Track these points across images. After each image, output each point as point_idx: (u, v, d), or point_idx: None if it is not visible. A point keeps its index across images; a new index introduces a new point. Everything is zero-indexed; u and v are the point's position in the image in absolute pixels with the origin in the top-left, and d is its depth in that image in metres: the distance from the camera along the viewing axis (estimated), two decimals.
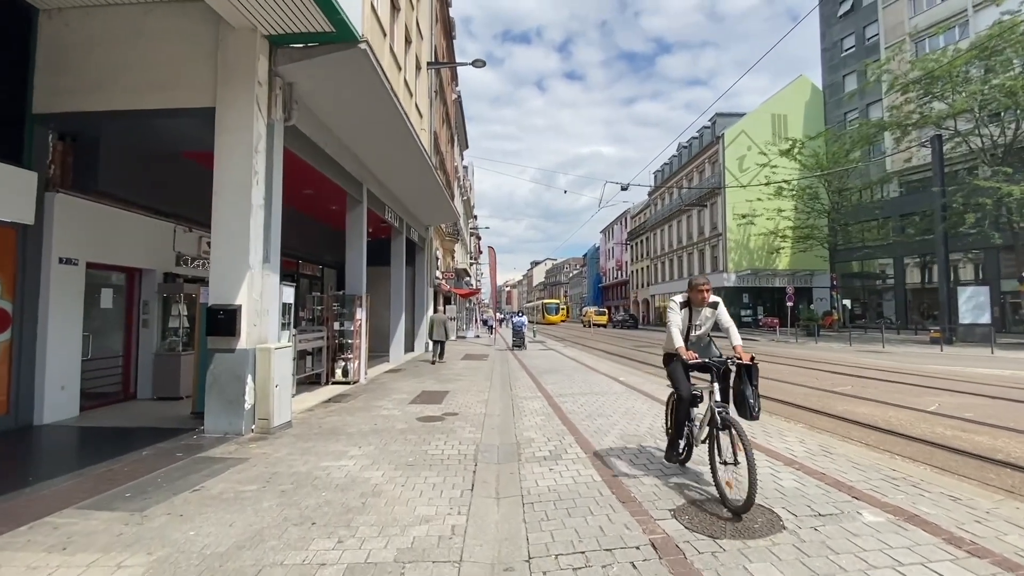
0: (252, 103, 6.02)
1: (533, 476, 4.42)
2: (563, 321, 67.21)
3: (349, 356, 9.87)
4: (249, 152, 5.98)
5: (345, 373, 9.87)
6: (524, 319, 20.43)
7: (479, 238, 62.63)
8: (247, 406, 5.83)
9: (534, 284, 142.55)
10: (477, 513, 3.62)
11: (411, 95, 13.93)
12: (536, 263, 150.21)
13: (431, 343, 14.76)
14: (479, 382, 10.38)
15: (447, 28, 24.15)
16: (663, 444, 5.20)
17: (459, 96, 31.65)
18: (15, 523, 3.37)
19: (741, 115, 39.45)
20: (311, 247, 14.57)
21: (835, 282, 32.67)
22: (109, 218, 7.32)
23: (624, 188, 22.77)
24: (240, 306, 5.86)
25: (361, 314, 10.12)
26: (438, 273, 21.23)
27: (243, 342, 5.87)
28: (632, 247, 62.52)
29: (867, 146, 29.52)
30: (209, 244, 9.90)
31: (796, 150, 30.36)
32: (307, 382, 9.68)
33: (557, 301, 74.38)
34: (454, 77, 30.22)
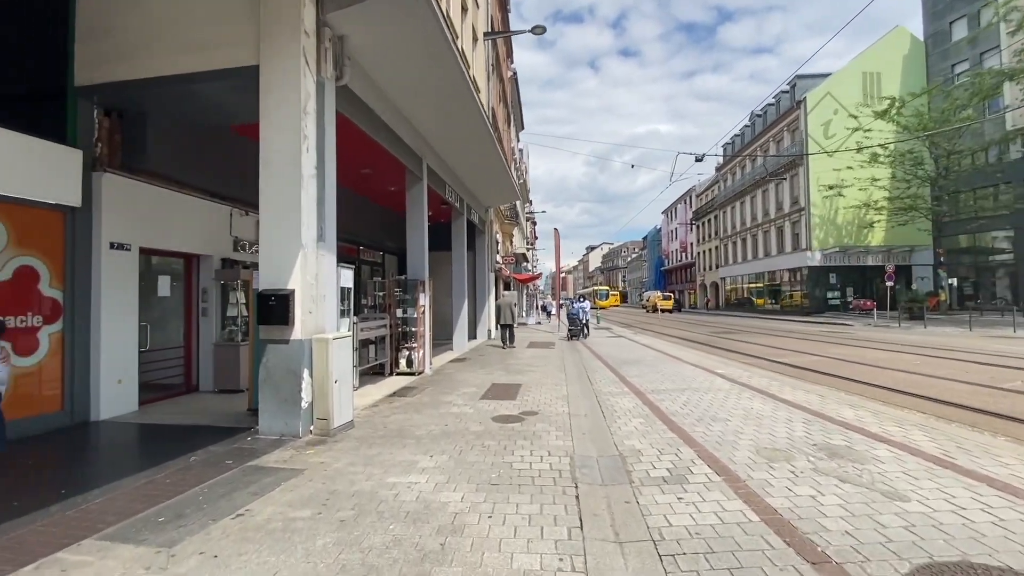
0: (299, 56, 5.20)
1: (658, 508, 3.32)
2: (613, 306, 71.88)
3: (413, 345, 9.14)
4: (297, 113, 5.18)
5: (409, 363, 9.16)
6: (587, 304, 18.46)
7: (535, 223, 61.47)
8: (304, 405, 5.12)
9: (590, 270, 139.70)
10: (598, 569, 2.59)
11: (468, 67, 12.94)
12: (592, 248, 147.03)
13: (500, 328, 14.79)
14: (552, 373, 9.36)
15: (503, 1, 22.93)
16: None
17: (515, 74, 30.40)
18: (22, 560, 2.70)
19: (825, 76, 35.51)
20: (371, 232, 14.06)
21: (941, 258, 28.80)
22: (161, 200, 6.86)
23: (699, 159, 20.77)
24: (293, 291, 5.13)
25: (424, 300, 9.34)
26: (498, 257, 20.37)
27: (297, 331, 5.14)
28: (698, 227, 59.04)
29: (984, 101, 25.47)
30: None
31: (895, 110, 26.74)
32: (370, 373, 9.06)
33: (607, 288, 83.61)
34: (509, 54, 28.98)
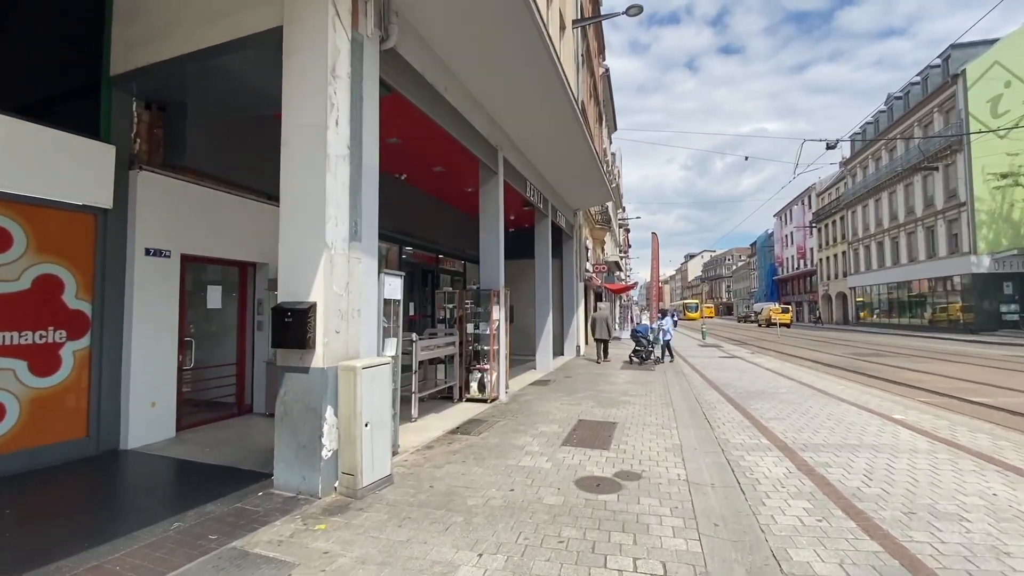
0: (326, 6, 4.07)
1: None
2: (699, 318, 72.76)
3: (485, 367, 7.78)
4: (323, 76, 4.05)
5: (481, 387, 7.80)
6: (668, 322, 14.16)
7: (628, 230, 58.38)
8: (325, 454, 3.90)
9: (690, 279, 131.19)
10: None
11: (553, 45, 11.53)
12: (691, 256, 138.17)
13: (594, 343, 13.97)
14: (656, 407, 7.47)
15: None
16: None
17: (607, 71, 28.58)
18: None
19: (991, 42, 29.17)
20: (452, 239, 13.09)
21: None
22: (208, 202, 6.18)
23: (831, 146, 17.39)
24: (314, 304, 3.95)
25: (499, 314, 7.96)
26: (588, 265, 18.60)
27: (319, 357, 3.95)
28: (820, 231, 52.15)
29: None
30: None
31: None
32: (438, 397, 7.86)
33: (696, 301, 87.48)
34: (601, 50, 27.28)
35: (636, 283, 43.96)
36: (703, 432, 5.99)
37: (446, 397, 7.85)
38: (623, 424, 6.37)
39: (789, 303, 57.82)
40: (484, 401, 7.65)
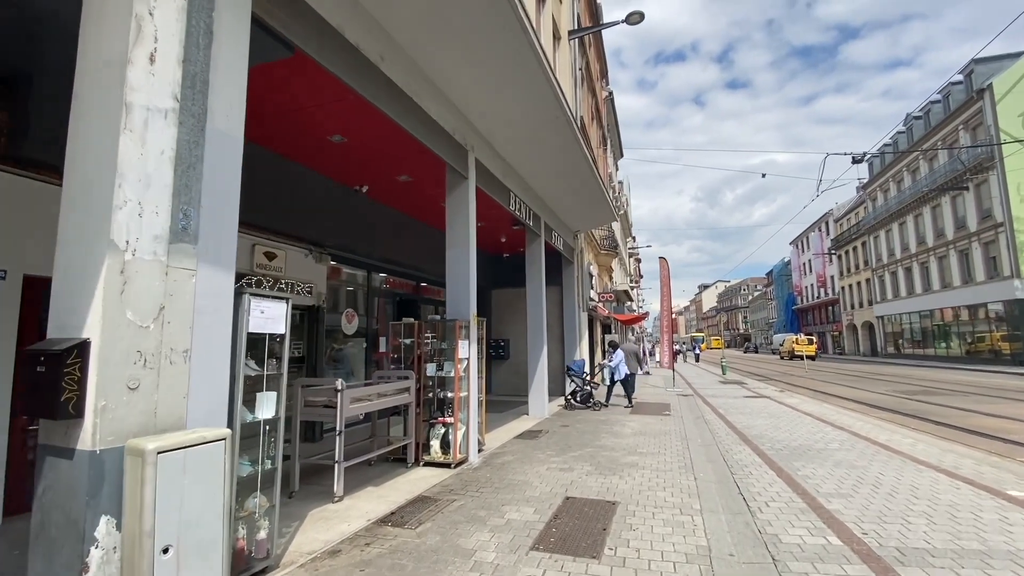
0: None
1: None
2: (706, 349, 72.44)
3: (450, 420, 6.07)
4: None
5: (445, 447, 6.07)
6: (620, 356, 11.31)
7: (639, 260, 56.71)
8: None
9: (704, 310, 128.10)
10: None
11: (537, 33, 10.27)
12: (705, 286, 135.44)
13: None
14: (672, 472, 5.66)
15: (592, 7, 20.52)
16: None
17: (611, 95, 27.66)
18: None
19: (1017, 55, 27.74)
20: (436, 264, 11.55)
21: None
22: None
23: (857, 160, 15.79)
24: (84, 342, 2.36)
25: (468, 351, 6.30)
26: (593, 294, 16.91)
27: (88, 432, 2.33)
28: (840, 258, 49.96)
29: None
30: (268, 255, 7.28)
31: None
32: (390, 459, 6.15)
33: (703, 334, 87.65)
34: (604, 73, 26.43)
35: (647, 313, 41.95)
36: (739, 521, 4.18)
37: (399, 458, 6.12)
38: (626, 505, 4.58)
39: (811, 334, 55.13)
40: (447, 466, 5.90)
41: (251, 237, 6.73)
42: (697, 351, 30.32)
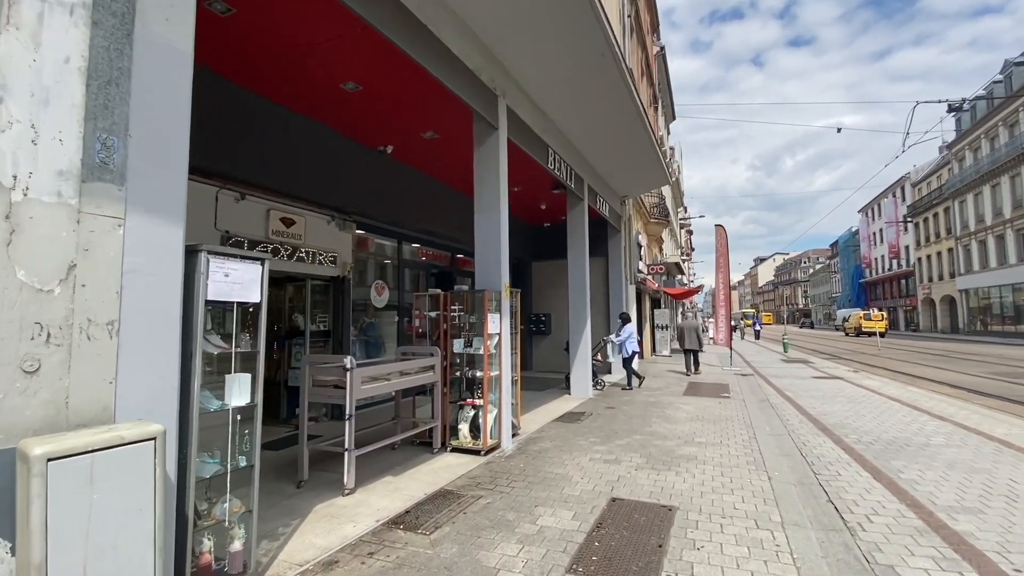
0: None
1: None
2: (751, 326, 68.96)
3: (479, 401, 5.40)
4: None
5: (474, 431, 5.43)
6: (629, 330, 10.26)
7: (691, 232, 53.96)
8: None
9: (760, 285, 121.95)
10: None
11: None
12: (761, 260, 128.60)
13: (684, 353, 12.85)
14: (739, 468, 4.77)
15: None
16: None
17: (663, 50, 25.60)
18: None
19: None
20: (472, 236, 10.85)
21: None
22: None
23: (954, 108, 13.56)
24: None
25: (498, 325, 5.57)
26: (641, 266, 15.75)
27: None
28: (917, 226, 45.48)
29: None
30: (285, 221, 6.74)
31: None
32: (417, 441, 5.58)
33: (753, 310, 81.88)
34: (655, 27, 24.40)
35: (701, 286, 39.84)
36: (835, 541, 3.28)
37: (425, 442, 5.54)
38: (686, 512, 3.76)
39: (881, 308, 51.15)
40: (476, 452, 5.25)
41: (265, 201, 6.21)
42: (758, 327, 28.28)
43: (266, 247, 6.14)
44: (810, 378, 12.00)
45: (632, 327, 10.34)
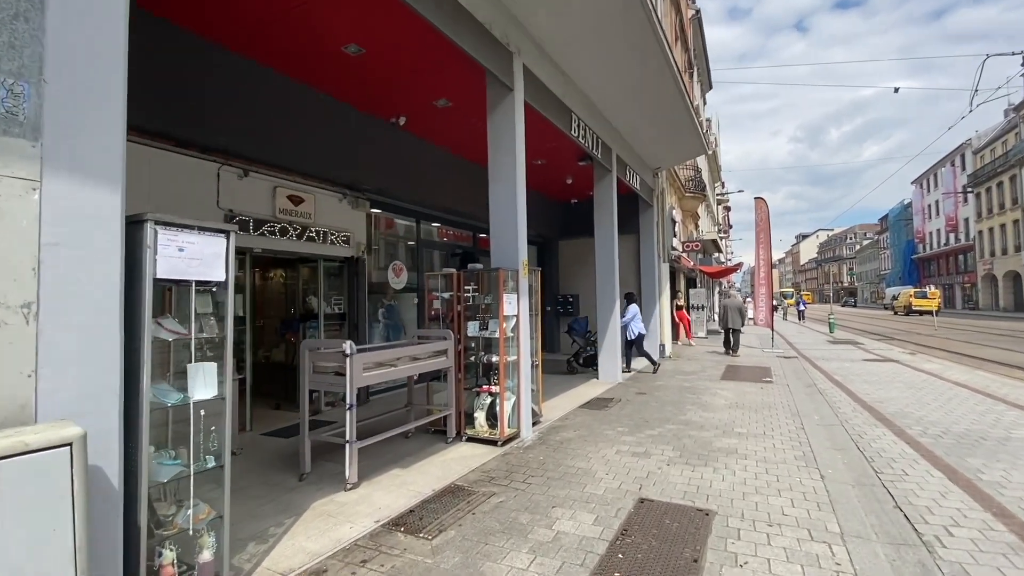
0: None
1: None
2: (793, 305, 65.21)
3: (496, 388, 5.01)
4: None
5: (491, 419, 5.06)
6: (634, 312, 9.52)
7: (728, 208, 51.75)
8: None
9: (802, 262, 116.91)
10: None
11: None
12: (803, 236, 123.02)
13: (723, 332, 12.61)
14: (787, 466, 4.23)
15: None
16: None
17: (698, 13, 24.09)
18: None
19: None
20: None
21: None
22: None
23: None
24: None
25: (515, 306, 5.13)
26: (675, 243, 14.94)
27: None
28: (978, 196, 42.16)
29: None
30: (293, 199, 6.43)
31: None
32: (432, 429, 5.27)
33: (792, 289, 79.52)
34: None
35: (741, 263, 38.23)
36: (909, 560, 2.74)
37: (440, 431, 5.21)
38: (726, 517, 3.28)
39: (935, 286, 48.22)
40: (493, 443, 4.88)
41: (271, 178, 5.91)
42: (802, 306, 26.81)
43: (273, 227, 5.87)
44: (861, 361, 11.11)
45: (636, 308, 9.67)
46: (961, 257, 46.33)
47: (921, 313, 37.24)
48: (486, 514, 3.37)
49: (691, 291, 17.65)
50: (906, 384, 8.05)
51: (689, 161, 17.08)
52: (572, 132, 6.93)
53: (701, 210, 22.00)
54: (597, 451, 4.74)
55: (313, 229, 6.39)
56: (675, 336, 13.23)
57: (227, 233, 2.42)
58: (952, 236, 47.49)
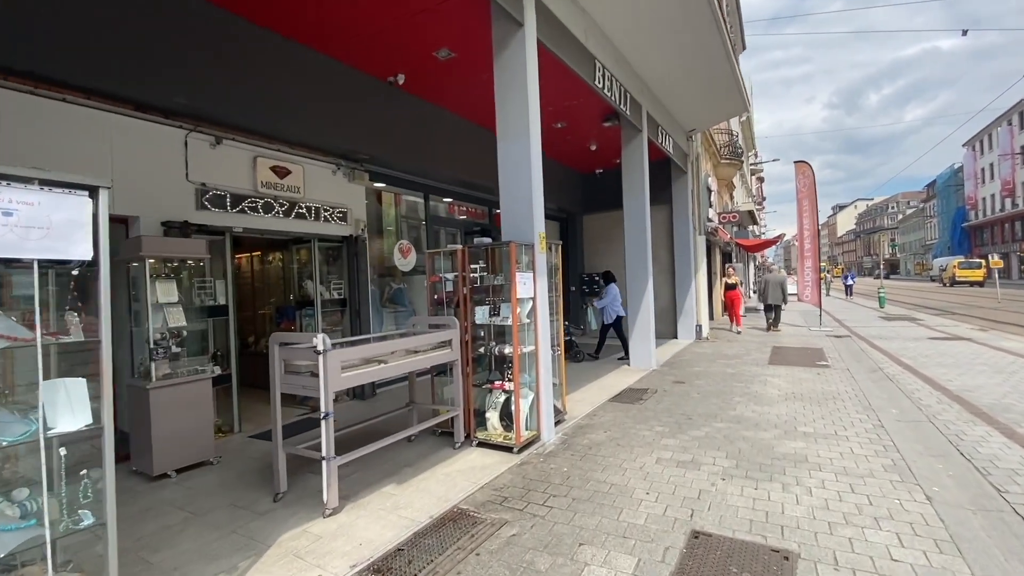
0: None
1: None
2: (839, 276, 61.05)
3: (510, 385, 4.22)
4: None
5: (506, 418, 4.30)
6: (612, 292, 8.61)
7: (762, 180, 49.24)
8: None
9: (839, 234, 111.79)
10: None
11: None
12: (841, 207, 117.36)
13: (764, 310, 12.26)
14: (879, 481, 3.33)
15: None
16: None
17: None
18: None
19: None
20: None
21: None
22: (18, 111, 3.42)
23: None
24: None
25: (530, 288, 4.30)
26: (711, 213, 13.76)
27: None
28: None
29: None
30: (277, 171, 5.68)
31: None
32: (439, 431, 4.56)
33: (824, 264, 77.18)
34: None
35: (782, 235, 36.30)
36: None
37: (447, 432, 4.48)
38: (813, 564, 2.44)
39: (985, 256, 45.18)
40: (508, 449, 4.12)
41: (250, 146, 5.18)
42: (850, 280, 24.91)
43: (255, 202, 5.16)
44: (926, 340, 9.89)
45: (616, 288, 8.58)
46: (1018, 223, 43.04)
47: (971, 284, 34.90)
48: (493, 555, 2.62)
49: (727, 266, 16.44)
50: (993, 368, 6.92)
51: (723, 125, 15.71)
52: (595, 83, 5.95)
53: (736, 180, 20.52)
54: (633, 459, 3.93)
55: (303, 205, 5.66)
56: (731, 319, 12.15)
57: (92, 190, 1.65)
58: (1008, 201, 44.08)
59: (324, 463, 3.05)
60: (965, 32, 14.42)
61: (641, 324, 7.74)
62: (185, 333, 4.14)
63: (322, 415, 3.05)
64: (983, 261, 38.44)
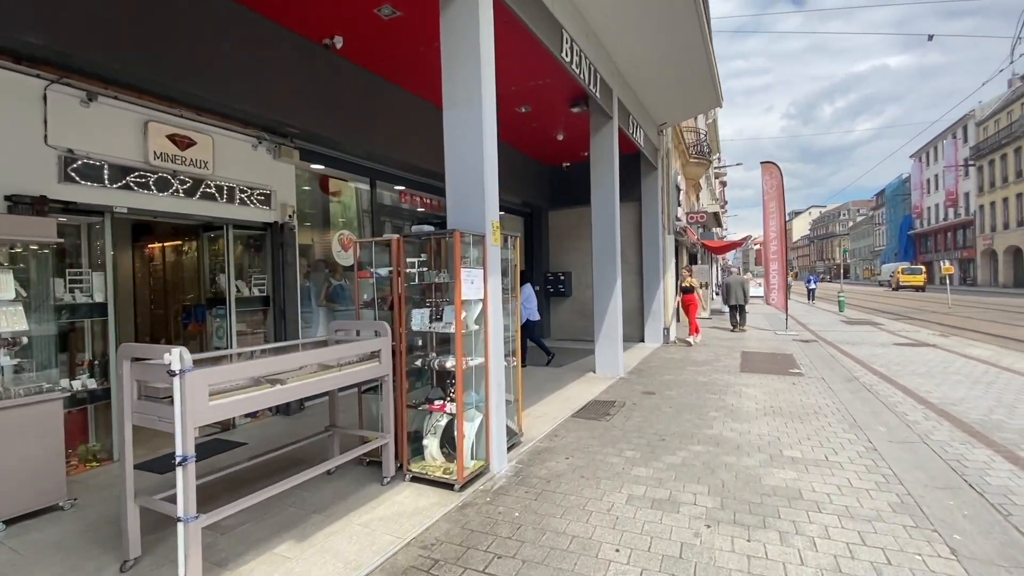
0: None
1: None
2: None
3: (451, 405, 3.45)
4: None
5: (447, 448, 3.53)
6: (528, 292, 7.54)
7: (724, 183, 50.17)
8: None
9: (794, 239, 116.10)
10: None
11: None
12: (795, 213, 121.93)
13: (729, 309, 12.54)
14: (885, 523, 2.75)
15: None
16: None
17: None
18: None
19: None
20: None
21: None
22: None
23: None
24: None
25: (479, 286, 3.54)
26: (679, 212, 13.35)
27: None
28: (981, 169, 40.89)
29: None
30: (177, 140, 4.67)
31: None
32: (367, 460, 3.74)
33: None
34: None
35: (748, 236, 36.80)
36: None
37: (375, 461, 3.67)
38: None
39: (929, 262, 47.60)
40: (448, 486, 3.35)
41: (138, 108, 4.20)
42: (812, 285, 24.72)
43: (145, 177, 4.19)
44: (892, 346, 9.72)
45: (530, 289, 7.70)
46: (960, 232, 45.36)
47: (914, 288, 36.67)
48: None
49: (693, 267, 16.17)
50: (968, 378, 6.64)
51: (691, 123, 15.40)
52: (563, 55, 5.24)
53: (702, 181, 20.38)
54: (600, 497, 3.24)
55: (212, 183, 4.71)
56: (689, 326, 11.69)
57: None
58: (951, 211, 46.41)
59: (179, 525, 2.20)
60: (931, 37, 14.59)
61: (609, 327, 7.11)
62: (26, 340, 3.18)
63: (177, 460, 2.20)
64: (923, 268, 40.57)
